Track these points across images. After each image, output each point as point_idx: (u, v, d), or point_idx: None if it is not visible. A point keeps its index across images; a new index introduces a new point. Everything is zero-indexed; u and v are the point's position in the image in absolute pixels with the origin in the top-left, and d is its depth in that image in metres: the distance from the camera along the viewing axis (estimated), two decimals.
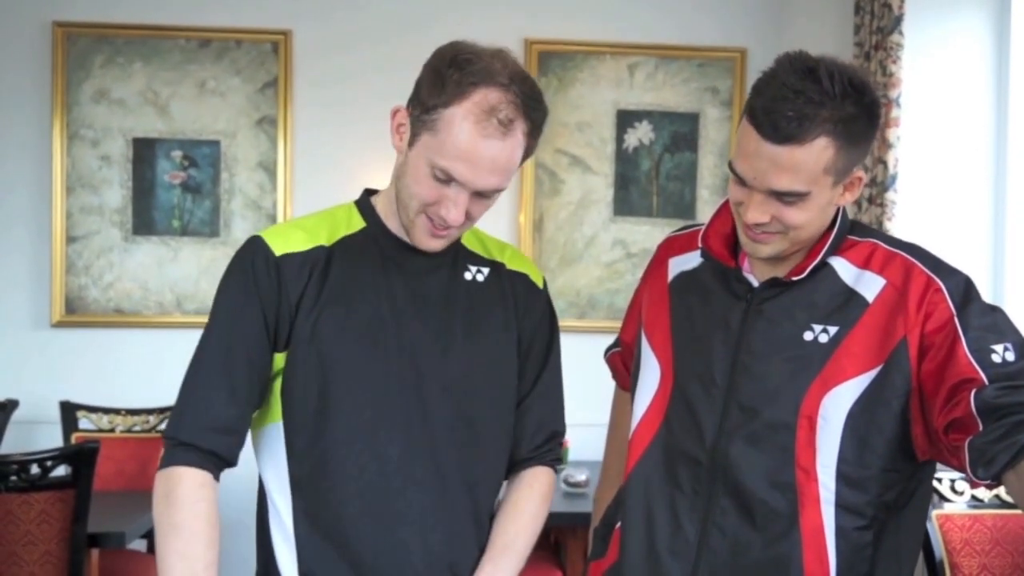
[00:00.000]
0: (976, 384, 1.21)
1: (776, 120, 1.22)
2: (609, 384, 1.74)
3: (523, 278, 1.49)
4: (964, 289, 1.28)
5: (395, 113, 1.35)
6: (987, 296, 1.25)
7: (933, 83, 3.13)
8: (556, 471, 1.53)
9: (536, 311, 1.48)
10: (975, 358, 1.22)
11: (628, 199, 3.77)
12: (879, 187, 3.06)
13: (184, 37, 3.66)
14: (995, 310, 1.29)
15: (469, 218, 1.33)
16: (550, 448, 1.50)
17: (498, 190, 1.31)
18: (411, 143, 1.31)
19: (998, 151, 3.12)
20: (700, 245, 1.45)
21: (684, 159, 3.77)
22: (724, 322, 1.39)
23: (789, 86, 1.23)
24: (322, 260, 1.37)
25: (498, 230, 3.71)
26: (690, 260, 1.49)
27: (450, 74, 1.26)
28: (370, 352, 1.35)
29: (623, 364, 1.66)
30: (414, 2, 3.72)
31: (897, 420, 1.28)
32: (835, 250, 1.36)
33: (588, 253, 3.75)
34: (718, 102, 3.76)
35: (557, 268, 3.75)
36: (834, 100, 1.22)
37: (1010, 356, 1.23)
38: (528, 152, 1.33)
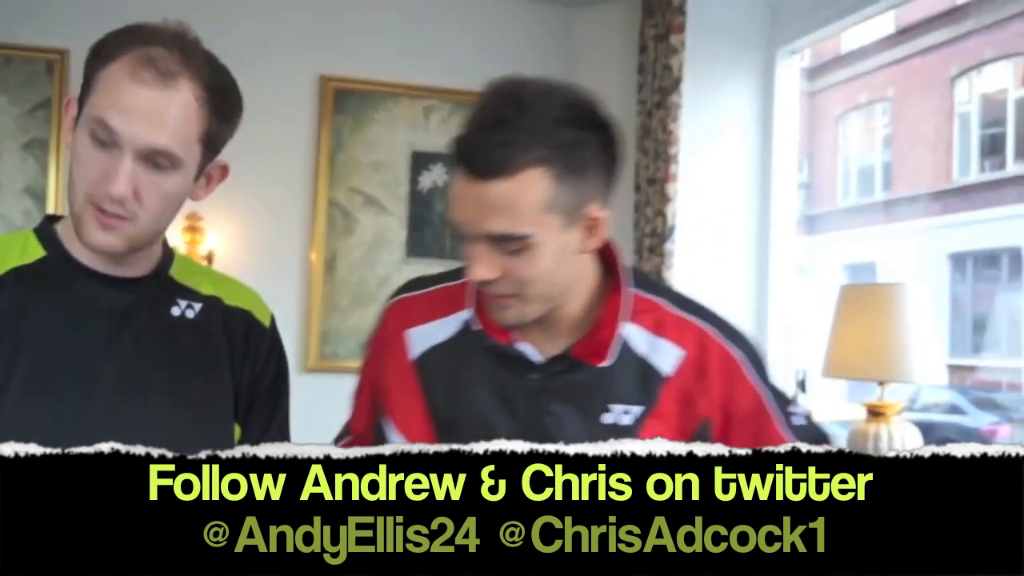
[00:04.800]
0: None
1: (476, 154, 1.07)
2: None
3: (245, 315, 1.27)
4: (756, 357, 1.26)
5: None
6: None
7: (707, 141, 3.36)
8: None
9: (261, 353, 1.27)
10: (784, 431, 1.22)
11: (422, 240, 3.78)
12: (658, 238, 3.23)
13: None
14: (768, 375, 1.29)
15: (139, 199, 1.11)
16: None
17: (162, 152, 1.10)
18: (77, 123, 1.14)
19: (762, 203, 3.40)
20: (471, 313, 1.23)
21: None
22: (507, 407, 1.20)
23: (491, 114, 1.09)
24: None
25: (288, 268, 3.64)
26: (438, 330, 1.26)
27: (111, 38, 1.14)
28: (40, 404, 1.11)
29: None
30: (204, 29, 3.58)
31: None
32: (626, 316, 1.20)
33: (381, 293, 3.72)
34: None
35: (349, 308, 3.69)
36: (546, 126, 1.08)
37: (802, 420, 1.25)
38: (211, 129, 1.15)
